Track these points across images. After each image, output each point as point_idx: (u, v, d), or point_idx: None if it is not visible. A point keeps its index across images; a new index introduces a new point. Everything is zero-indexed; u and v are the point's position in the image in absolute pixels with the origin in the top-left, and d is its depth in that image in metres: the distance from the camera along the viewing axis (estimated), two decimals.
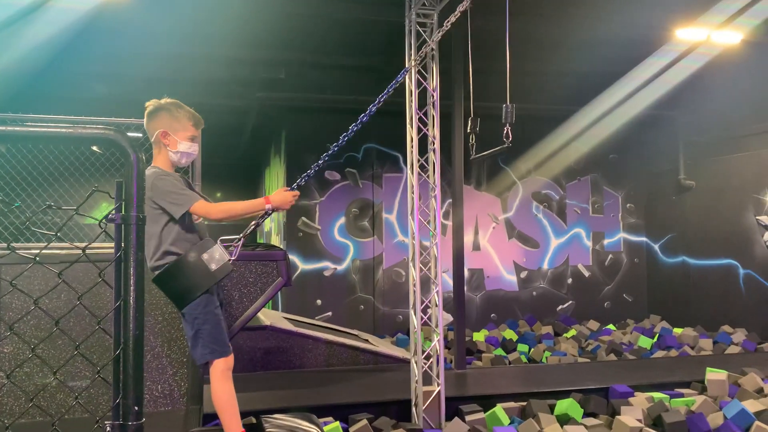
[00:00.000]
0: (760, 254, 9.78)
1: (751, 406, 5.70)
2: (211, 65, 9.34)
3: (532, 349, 9.06)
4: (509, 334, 9.98)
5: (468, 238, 11.14)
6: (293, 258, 10.29)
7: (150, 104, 3.04)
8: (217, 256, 2.84)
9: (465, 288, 11.02)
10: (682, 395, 6.26)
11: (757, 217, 9.82)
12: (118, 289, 1.31)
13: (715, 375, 6.39)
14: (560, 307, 11.53)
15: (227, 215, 2.98)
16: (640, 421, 5.47)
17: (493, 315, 11.20)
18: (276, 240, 11.64)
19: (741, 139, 10.24)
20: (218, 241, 2.91)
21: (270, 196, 3.03)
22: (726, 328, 9.90)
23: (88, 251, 1.49)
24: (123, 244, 1.32)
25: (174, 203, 2.85)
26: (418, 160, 5.98)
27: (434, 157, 6.02)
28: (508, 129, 4.66)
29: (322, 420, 5.28)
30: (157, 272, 2.90)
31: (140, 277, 1.31)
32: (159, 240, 2.87)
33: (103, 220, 1.35)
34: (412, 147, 5.96)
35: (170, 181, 2.90)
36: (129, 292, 1.30)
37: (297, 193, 3.12)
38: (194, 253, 2.83)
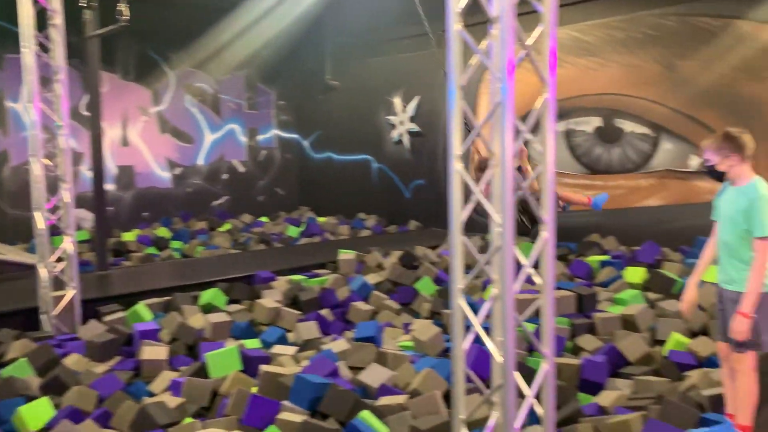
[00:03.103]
0: (389, 150, 11.16)
1: (372, 279, 6.62)
2: None
3: (186, 245, 9.02)
4: (162, 232, 9.75)
5: (115, 133, 10.29)
6: None
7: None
8: None
9: (114, 186, 10.30)
10: (317, 275, 6.95)
11: (386, 117, 11.10)
12: None
13: (345, 255, 7.24)
14: (215, 202, 11.62)
15: None
16: (279, 302, 5.92)
17: (145, 213, 10.74)
18: None
19: (383, 44, 11.10)
20: None
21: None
22: (361, 215, 11.23)
23: None
24: None
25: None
26: (36, 37, 5.15)
27: (56, 34, 5.25)
28: (121, 6, 4.24)
29: None
30: None
31: None
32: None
33: None
34: (26, 20, 5.09)
35: None
36: None
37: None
38: None
